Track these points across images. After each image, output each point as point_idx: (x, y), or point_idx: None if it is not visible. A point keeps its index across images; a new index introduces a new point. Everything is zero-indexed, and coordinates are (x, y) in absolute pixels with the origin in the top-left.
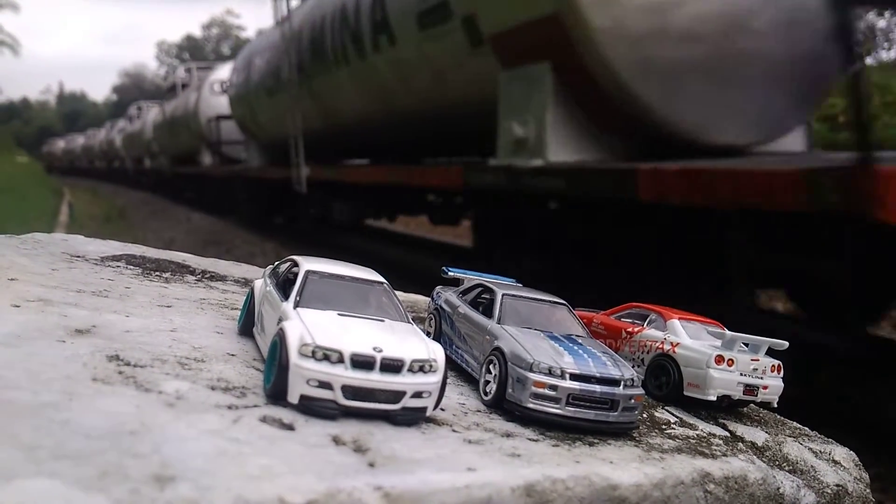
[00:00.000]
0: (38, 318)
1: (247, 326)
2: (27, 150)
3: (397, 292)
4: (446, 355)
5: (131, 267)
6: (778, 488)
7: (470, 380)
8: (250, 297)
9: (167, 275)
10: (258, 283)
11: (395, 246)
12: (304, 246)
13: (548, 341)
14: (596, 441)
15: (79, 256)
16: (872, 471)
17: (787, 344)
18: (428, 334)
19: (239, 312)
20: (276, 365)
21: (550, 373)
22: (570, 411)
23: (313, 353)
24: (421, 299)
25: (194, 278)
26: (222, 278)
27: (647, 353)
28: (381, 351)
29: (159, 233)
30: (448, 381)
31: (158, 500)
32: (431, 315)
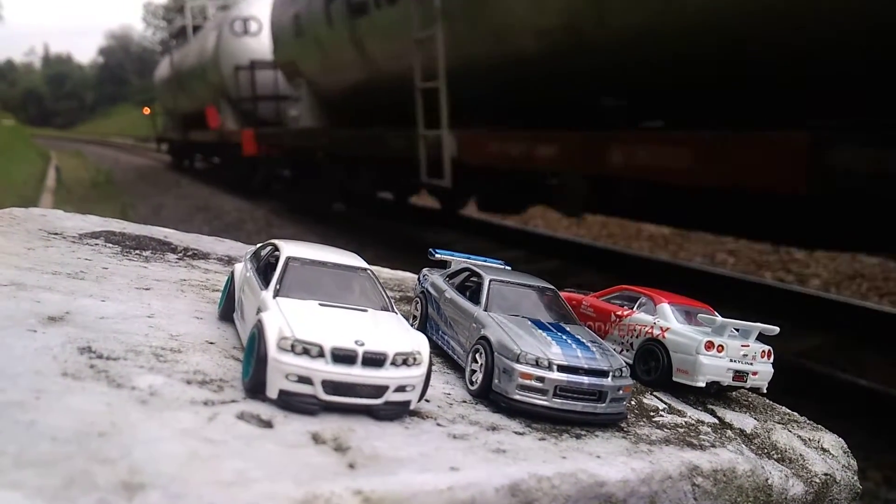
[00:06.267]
0: (9, 304)
1: (227, 311)
2: (13, 113)
3: (384, 268)
4: (432, 341)
5: (110, 245)
6: (766, 479)
7: (456, 367)
8: (230, 282)
9: (147, 253)
10: (238, 268)
11: None
12: (294, 213)
13: (535, 330)
14: (583, 433)
15: (56, 234)
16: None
17: (777, 329)
18: (414, 318)
19: (220, 294)
20: (254, 358)
21: (538, 364)
22: (557, 403)
23: (292, 346)
24: (409, 277)
25: (175, 257)
26: (205, 256)
27: (637, 337)
28: (362, 344)
29: (148, 199)
30: (434, 369)
31: None
32: (418, 299)
